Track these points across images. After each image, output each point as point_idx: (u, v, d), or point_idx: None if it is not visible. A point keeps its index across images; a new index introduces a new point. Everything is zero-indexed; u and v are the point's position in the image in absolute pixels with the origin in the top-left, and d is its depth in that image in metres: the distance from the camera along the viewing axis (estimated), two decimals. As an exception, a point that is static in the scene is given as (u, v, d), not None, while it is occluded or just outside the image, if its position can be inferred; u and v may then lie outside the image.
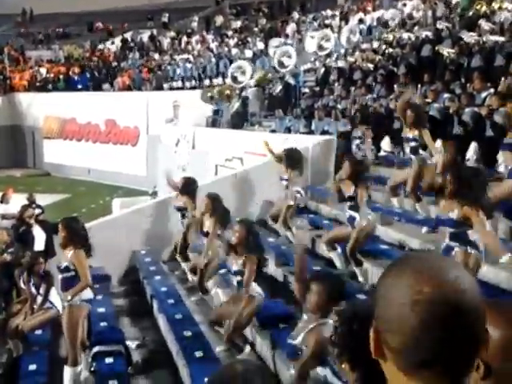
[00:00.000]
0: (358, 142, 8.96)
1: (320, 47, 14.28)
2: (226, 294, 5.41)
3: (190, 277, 7.05)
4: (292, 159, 7.17)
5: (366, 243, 5.82)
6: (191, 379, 4.48)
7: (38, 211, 8.62)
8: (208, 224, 6.21)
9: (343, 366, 2.08)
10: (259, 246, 4.90)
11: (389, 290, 0.87)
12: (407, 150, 6.58)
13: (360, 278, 5.60)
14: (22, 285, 6.48)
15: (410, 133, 6.44)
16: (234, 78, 14.39)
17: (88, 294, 4.84)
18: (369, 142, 8.83)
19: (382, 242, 6.32)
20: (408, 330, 0.83)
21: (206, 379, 4.03)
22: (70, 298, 4.72)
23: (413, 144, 6.43)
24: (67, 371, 4.79)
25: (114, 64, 24.38)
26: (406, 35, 13.24)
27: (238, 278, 4.84)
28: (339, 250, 5.98)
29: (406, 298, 0.84)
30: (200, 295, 6.36)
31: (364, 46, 14.23)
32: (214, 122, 14.89)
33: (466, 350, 0.85)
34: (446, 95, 8.91)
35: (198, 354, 4.71)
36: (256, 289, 4.81)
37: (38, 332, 5.79)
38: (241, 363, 1.39)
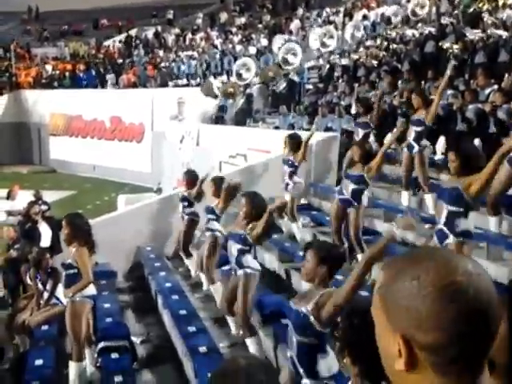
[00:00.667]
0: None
1: (323, 44, 14.26)
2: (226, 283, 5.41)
3: (193, 272, 7.11)
4: (295, 141, 7.21)
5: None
6: (195, 374, 4.53)
7: (44, 208, 8.69)
8: (216, 202, 6.28)
9: (345, 360, 2.12)
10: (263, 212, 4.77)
11: (412, 289, 0.83)
12: (411, 136, 6.57)
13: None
14: (29, 281, 6.56)
15: (417, 115, 6.51)
16: (239, 75, 14.41)
17: (90, 290, 4.88)
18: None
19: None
20: (445, 324, 0.81)
21: (209, 373, 4.08)
22: (71, 294, 4.77)
23: (418, 129, 6.47)
24: (72, 366, 4.86)
25: (119, 61, 24.43)
26: (409, 32, 13.21)
27: (239, 246, 4.72)
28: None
29: (438, 291, 0.81)
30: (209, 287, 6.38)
31: (368, 42, 14.21)
32: (218, 119, 14.92)
33: (487, 345, 0.83)
34: (450, 92, 8.88)
35: (202, 349, 4.75)
36: (252, 264, 4.78)
37: (45, 327, 5.84)
38: (244, 358, 1.40)
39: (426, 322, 0.82)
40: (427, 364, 0.83)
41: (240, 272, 4.73)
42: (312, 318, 3.10)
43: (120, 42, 27.48)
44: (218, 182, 6.45)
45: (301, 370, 3.20)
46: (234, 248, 4.79)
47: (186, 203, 7.17)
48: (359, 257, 5.69)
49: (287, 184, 7.12)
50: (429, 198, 6.62)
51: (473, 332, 0.81)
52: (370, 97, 9.71)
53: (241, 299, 4.70)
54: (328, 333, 3.16)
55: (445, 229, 4.25)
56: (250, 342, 4.75)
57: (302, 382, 3.21)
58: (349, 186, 5.79)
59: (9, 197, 11.32)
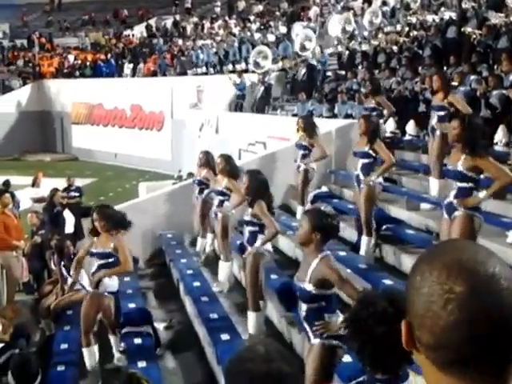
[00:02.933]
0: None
1: (343, 30, 14.12)
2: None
3: (208, 248, 7.17)
4: (307, 122, 7.18)
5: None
6: (218, 361, 4.58)
7: (72, 194, 8.83)
8: (224, 183, 6.29)
9: (352, 345, 2.18)
10: (265, 192, 4.86)
11: (419, 285, 0.82)
12: (434, 120, 6.49)
13: (363, 247, 5.64)
14: (53, 266, 6.70)
15: (438, 101, 6.41)
16: (257, 64, 14.36)
17: (114, 285, 5.01)
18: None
19: (407, 226, 6.30)
20: (439, 328, 0.78)
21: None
22: (102, 275, 4.87)
23: (441, 113, 6.38)
24: (84, 352, 5.04)
25: (139, 50, 24.51)
26: (430, 17, 12.97)
27: (250, 227, 4.88)
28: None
29: (436, 295, 0.79)
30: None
31: (388, 28, 14.02)
32: (237, 107, 14.92)
33: (504, 350, 0.78)
34: (473, 77, 8.74)
35: (224, 336, 4.78)
36: (266, 246, 4.86)
37: (69, 312, 5.96)
38: (262, 344, 1.37)
39: (424, 321, 0.80)
40: (431, 361, 0.82)
41: (250, 250, 4.82)
42: (314, 290, 3.25)
43: (140, 31, 27.55)
44: (226, 159, 6.41)
45: (309, 331, 3.31)
46: (246, 230, 4.97)
47: (202, 186, 7.20)
48: (364, 239, 5.67)
49: (298, 166, 7.17)
50: (433, 182, 6.58)
51: (475, 339, 0.77)
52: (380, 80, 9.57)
53: (249, 276, 4.81)
54: (334, 293, 3.34)
55: (454, 201, 4.29)
56: (252, 317, 4.84)
57: (310, 342, 3.31)
58: (358, 163, 5.77)
59: (34, 184, 11.54)
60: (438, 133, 6.42)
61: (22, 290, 7.67)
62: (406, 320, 0.84)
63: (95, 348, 5.07)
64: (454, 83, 8.81)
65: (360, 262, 5.53)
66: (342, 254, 5.68)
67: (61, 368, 4.85)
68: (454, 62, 9.84)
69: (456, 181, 4.32)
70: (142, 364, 4.68)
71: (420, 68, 10.40)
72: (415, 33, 12.62)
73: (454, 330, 0.77)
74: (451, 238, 4.13)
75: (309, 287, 3.26)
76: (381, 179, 5.78)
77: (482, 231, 4.38)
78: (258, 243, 4.82)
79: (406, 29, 13.29)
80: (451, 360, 0.79)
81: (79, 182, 14.13)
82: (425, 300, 0.80)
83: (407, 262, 5.53)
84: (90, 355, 5.00)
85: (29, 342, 5.74)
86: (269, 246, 4.94)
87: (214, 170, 6.94)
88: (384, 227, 6.10)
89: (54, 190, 9.35)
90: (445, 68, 9.93)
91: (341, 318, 3.27)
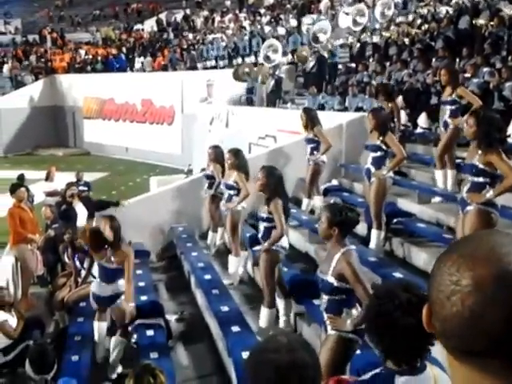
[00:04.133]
0: None
1: (355, 22, 14.02)
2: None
3: (218, 241, 7.21)
4: (309, 115, 7.18)
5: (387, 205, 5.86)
6: (229, 353, 4.62)
7: (81, 188, 8.93)
8: (233, 177, 6.31)
9: (371, 338, 2.16)
10: (282, 190, 4.91)
11: (434, 273, 0.83)
12: (446, 114, 6.45)
13: (374, 240, 5.64)
14: (67, 259, 6.79)
15: (447, 95, 6.38)
16: (267, 57, 14.33)
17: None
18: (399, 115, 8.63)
19: (418, 220, 6.29)
20: (442, 317, 0.80)
21: (242, 352, 4.18)
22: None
23: (452, 107, 6.34)
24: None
25: (149, 44, 24.56)
26: (442, 8, 12.84)
27: (265, 224, 4.90)
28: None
29: (444, 285, 0.80)
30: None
31: (399, 19, 13.91)
32: (247, 101, 14.91)
33: None
34: (486, 69, 8.66)
35: (235, 328, 4.82)
36: (282, 242, 4.88)
37: (83, 304, 6.03)
38: (283, 335, 1.40)
39: (435, 307, 0.82)
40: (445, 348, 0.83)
41: (263, 247, 4.86)
42: (335, 282, 3.32)
43: (151, 27, 27.59)
44: (236, 153, 6.42)
45: (327, 322, 3.37)
46: (261, 225, 4.99)
47: (212, 181, 7.23)
48: (374, 233, 5.66)
49: (308, 160, 7.19)
50: (438, 175, 6.57)
51: (478, 331, 0.76)
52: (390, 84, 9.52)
53: (263, 273, 4.86)
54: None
55: (465, 196, 4.28)
56: (265, 313, 4.89)
57: (327, 333, 3.37)
58: (368, 157, 5.76)
59: (47, 178, 11.67)
60: (451, 126, 6.39)
61: (37, 282, 7.77)
62: (428, 304, 0.86)
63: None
64: (467, 75, 8.74)
65: (370, 255, 5.53)
66: (352, 247, 5.67)
67: (75, 359, 4.92)
68: (467, 54, 9.74)
69: (471, 175, 4.28)
70: (154, 355, 4.73)
71: (433, 60, 10.32)
72: (427, 26, 12.51)
73: (455, 321, 0.78)
74: (464, 233, 4.13)
75: (331, 279, 3.32)
76: (391, 173, 5.77)
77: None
78: (266, 243, 4.84)
79: (419, 21, 13.16)
80: (460, 350, 0.79)
81: (91, 177, 14.25)
82: (435, 288, 0.82)
83: (417, 255, 5.52)
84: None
85: (43, 333, 5.84)
86: (285, 243, 4.95)
87: (222, 165, 6.98)
88: (394, 221, 6.10)
89: (69, 185, 9.44)
90: (457, 60, 9.85)
91: (355, 313, 3.32)
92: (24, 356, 4.19)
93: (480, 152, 4.19)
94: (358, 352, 3.43)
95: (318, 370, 1.39)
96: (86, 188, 11.08)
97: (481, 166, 4.18)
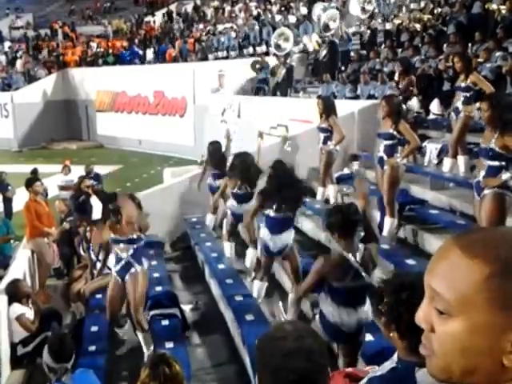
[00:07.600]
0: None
1: (363, 10, 13.88)
2: None
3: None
4: (326, 103, 7.17)
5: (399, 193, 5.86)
6: (243, 342, 4.68)
7: (91, 182, 9.02)
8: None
9: (391, 334, 2.08)
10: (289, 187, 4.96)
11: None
12: (460, 100, 6.39)
13: (386, 228, 5.63)
14: (82, 252, 6.87)
15: (461, 82, 6.32)
16: (278, 46, 14.25)
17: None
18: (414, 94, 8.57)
19: (431, 206, 6.26)
20: None
21: (257, 341, 4.21)
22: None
23: (467, 94, 6.27)
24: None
25: (160, 36, 24.54)
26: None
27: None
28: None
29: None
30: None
31: (412, 5, 13.72)
32: (259, 91, 14.87)
33: None
34: (499, 54, 8.55)
35: (249, 317, 4.86)
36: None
37: (99, 296, 6.10)
38: (290, 323, 1.44)
39: None
40: None
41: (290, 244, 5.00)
42: None
43: (164, 15, 27.53)
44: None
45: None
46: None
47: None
48: (387, 220, 5.65)
49: (321, 149, 7.18)
50: (447, 162, 6.54)
51: None
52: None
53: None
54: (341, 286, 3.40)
55: (482, 181, 4.29)
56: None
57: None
58: (381, 145, 5.74)
59: (62, 171, 11.80)
60: (462, 114, 6.34)
61: (53, 275, 7.89)
62: None
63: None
64: (480, 60, 8.63)
65: (383, 242, 5.52)
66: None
67: (91, 349, 5.01)
68: (480, 39, 9.62)
69: (487, 159, 4.30)
70: (169, 345, 4.79)
71: (445, 46, 10.19)
72: (439, 10, 12.34)
73: None
74: (481, 217, 4.15)
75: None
76: (405, 160, 5.74)
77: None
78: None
79: (431, 6, 12.99)
80: None
81: (105, 169, 14.35)
82: None
83: (430, 242, 5.50)
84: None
85: (61, 325, 5.94)
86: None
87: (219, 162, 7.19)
88: (407, 208, 6.08)
89: (82, 178, 9.52)
90: (470, 45, 9.72)
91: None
92: (43, 347, 4.26)
93: (496, 135, 4.19)
94: (371, 338, 3.45)
95: (325, 357, 1.40)
96: (95, 182, 11.15)
97: (497, 149, 4.20)
